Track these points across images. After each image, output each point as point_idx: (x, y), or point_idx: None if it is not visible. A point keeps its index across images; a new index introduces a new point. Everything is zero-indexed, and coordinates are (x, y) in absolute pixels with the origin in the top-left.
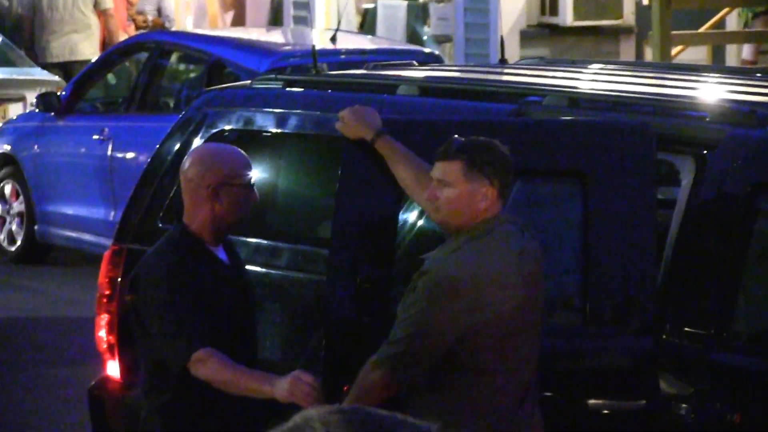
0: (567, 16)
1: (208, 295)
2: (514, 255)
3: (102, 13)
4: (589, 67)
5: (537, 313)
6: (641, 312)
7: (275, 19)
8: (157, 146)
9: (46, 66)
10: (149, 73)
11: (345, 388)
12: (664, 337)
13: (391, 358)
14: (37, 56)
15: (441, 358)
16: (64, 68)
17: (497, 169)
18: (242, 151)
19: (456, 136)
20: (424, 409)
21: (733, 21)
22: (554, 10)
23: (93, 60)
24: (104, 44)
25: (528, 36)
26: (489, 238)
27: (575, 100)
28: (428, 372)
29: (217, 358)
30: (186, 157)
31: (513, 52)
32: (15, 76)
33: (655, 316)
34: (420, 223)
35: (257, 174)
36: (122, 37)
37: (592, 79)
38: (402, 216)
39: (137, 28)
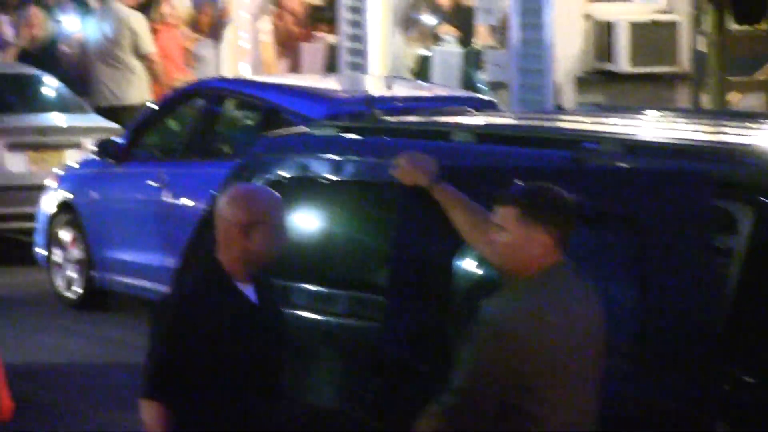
0: (623, 62)
1: (224, 331)
2: (573, 303)
3: (144, 59)
4: (646, 113)
5: (596, 360)
6: (699, 360)
7: (330, 66)
8: (215, 193)
9: (98, 110)
10: (206, 119)
11: None
12: (723, 386)
13: (452, 407)
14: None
15: (501, 405)
16: (114, 113)
17: (554, 216)
18: (275, 192)
19: (517, 181)
20: None
21: None
22: (610, 57)
23: (139, 104)
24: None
25: (584, 82)
26: (547, 286)
27: (632, 147)
28: (488, 420)
29: (156, 417)
30: (221, 196)
31: (568, 99)
32: (72, 123)
33: (713, 364)
34: (477, 269)
35: (312, 219)
36: (177, 80)
37: (648, 126)
38: (458, 263)
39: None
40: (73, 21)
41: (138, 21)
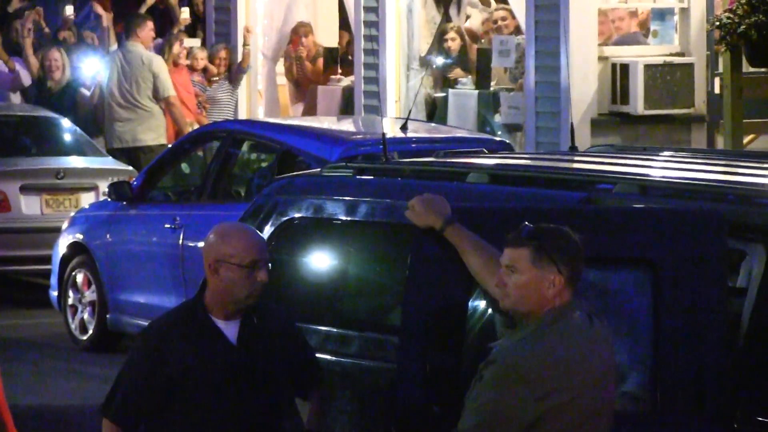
0: (638, 104)
1: (189, 368)
2: (583, 343)
3: (164, 102)
4: (660, 154)
5: (607, 401)
6: (713, 401)
7: (346, 108)
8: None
9: (112, 151)
10: (221, 161)
11: None
12: (735, 426)
13: None
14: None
15: None
16: (128, 154)
17: (566, 256)
18: (255, 232)
19: (526, 222)
20: None
21: None
22: (625, 99)
23: (156, 146)
24: (176, 132)
25: (599, 124)
26: (558, 326)
27: (646, 188)
28: None
29: None
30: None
31: (584, 141)
32: (87, 165)
33: (726, 405)
34: (490, 311)
35: (326, 261)
36: (190, 124)
37: (662, 167)
38: (472, 304)
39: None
40: (91, 64)
41: (159, 64)
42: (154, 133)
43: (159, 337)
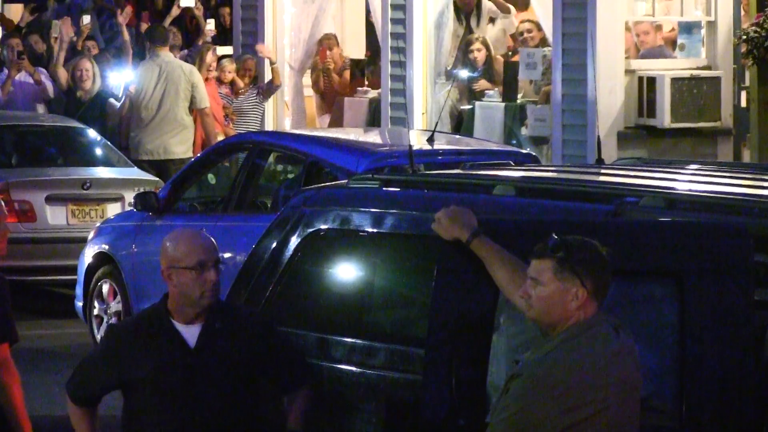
0: (665, 118)
1: (147, 371)
2: (609, 356)
3: (199, 113)
4: (687, 167)
5: (633, 414)
6: (739, 415)
7: (372, 120)
8: (254, 246)
9: (139, 163)
10: (247, 173)
11: None
12: None
13: None
14: (130, 153)
15: None
16: (157, 166)
17: (590, 269)
18: (201, 234)
19: (554, 234)
20: None
21: None
22: (652, 112)
23: (186, 159)
24: (203, 143)
25: (625, 138)
26: (584, 339)
27: (672, 201)
28: None
29: (71, 412)
30: None
31: (610, 154)
32: (114, 176)
33: (752, 418)
34: (515, 324)
35: (352, 272)
36: (219, 136)
37: (689, 180)
38: (498, 317)
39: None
40: (121, 74)
41: (198, 75)
42: (185, 145)
43: (118, 339)
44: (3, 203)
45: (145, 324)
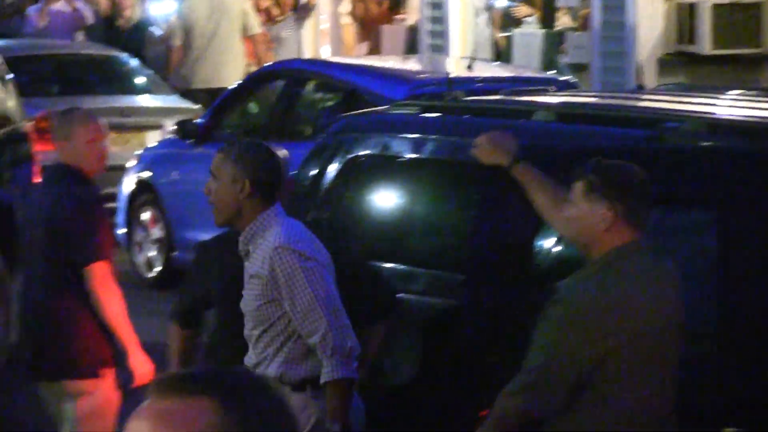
0: (705, 44)
1: (216, 282)
2: (648, 284)
3: (250, 39)
4: (729, 93)
5: (673, 342)
6: None
7: (411, 48)
8: (294, 172)
9: (193, 92)
10: (287, 100)
11: (481, 413)
12: None
13: (526, 386)
14: (180, 82)
15: (574, 385)
16: (211, 94)
17: (618, 191)
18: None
19: (598, 158)
20: None
21: None
22: (692, 39)
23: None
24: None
25: (665, 64)
26: (619, 266)
27: (714, 126)
28: (563, 399)
29: (172, 335)
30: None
31: (650, 81)
32: (153, 104)
33: None
34: (556, 249)
35: (392, 198)
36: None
37: (731, 105)
38: (538, 243)
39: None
40: (163, 3)
41: (248, 1)
42: (236, 72)
43: (203, 253)
44: None
45: (225, 241)
